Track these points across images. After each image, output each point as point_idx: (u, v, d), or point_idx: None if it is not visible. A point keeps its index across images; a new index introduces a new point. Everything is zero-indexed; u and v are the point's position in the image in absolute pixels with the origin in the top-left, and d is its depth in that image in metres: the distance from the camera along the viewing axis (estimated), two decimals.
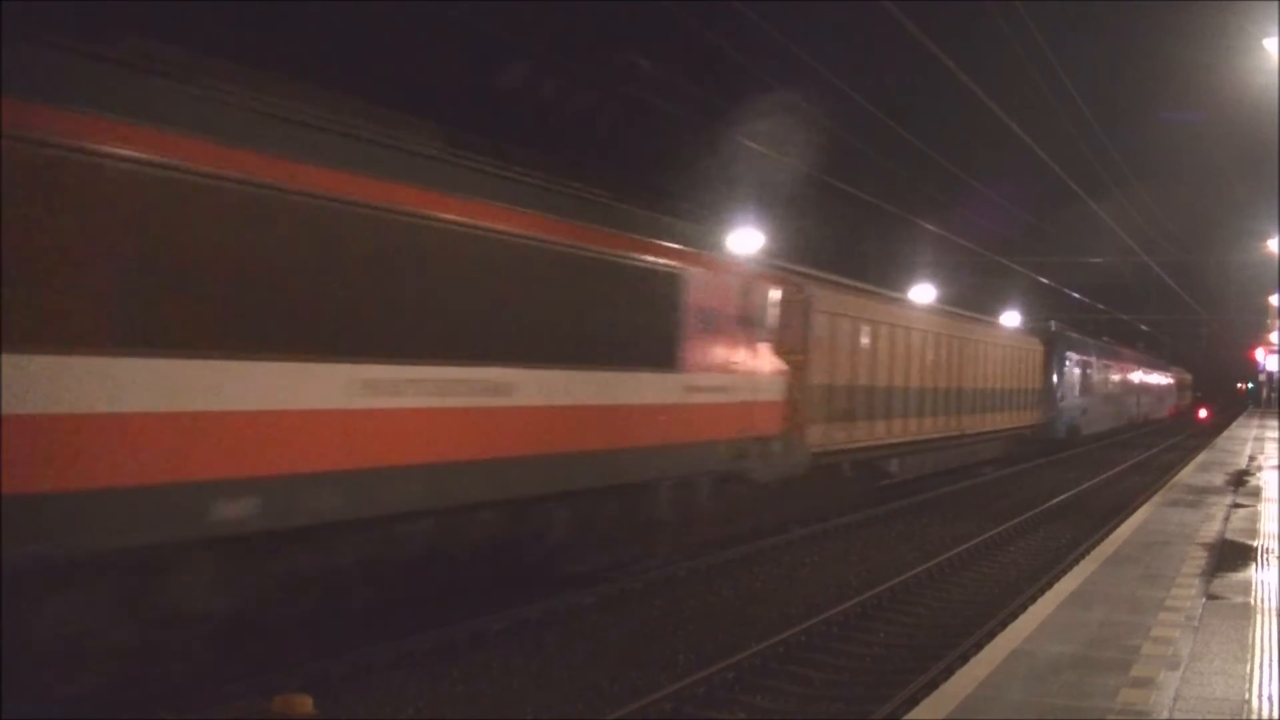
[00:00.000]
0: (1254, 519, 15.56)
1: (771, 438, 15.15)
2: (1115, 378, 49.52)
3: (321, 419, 8.31)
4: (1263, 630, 8.66)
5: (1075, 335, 41.96)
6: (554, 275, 10.77)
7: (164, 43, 7.66)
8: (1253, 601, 9.80)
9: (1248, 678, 7.31)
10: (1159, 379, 69.25)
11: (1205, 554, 12.36)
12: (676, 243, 13.05)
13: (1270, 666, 7.57)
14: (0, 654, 6.49)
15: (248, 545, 7.97)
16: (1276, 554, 12.33)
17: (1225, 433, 45.10)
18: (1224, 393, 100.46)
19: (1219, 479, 22.25)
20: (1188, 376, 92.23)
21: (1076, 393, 39.62)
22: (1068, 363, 38.30)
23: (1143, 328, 63.87)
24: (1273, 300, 45.45)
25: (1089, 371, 42.31)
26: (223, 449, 7.55)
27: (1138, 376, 58.00)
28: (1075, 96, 22.09)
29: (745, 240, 16.34)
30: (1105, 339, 50.04)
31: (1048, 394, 36.23)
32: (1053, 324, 39.75)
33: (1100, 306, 48.45)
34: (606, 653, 10.30)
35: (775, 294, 15.39)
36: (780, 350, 15.61)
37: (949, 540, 17.01)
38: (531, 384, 10.43)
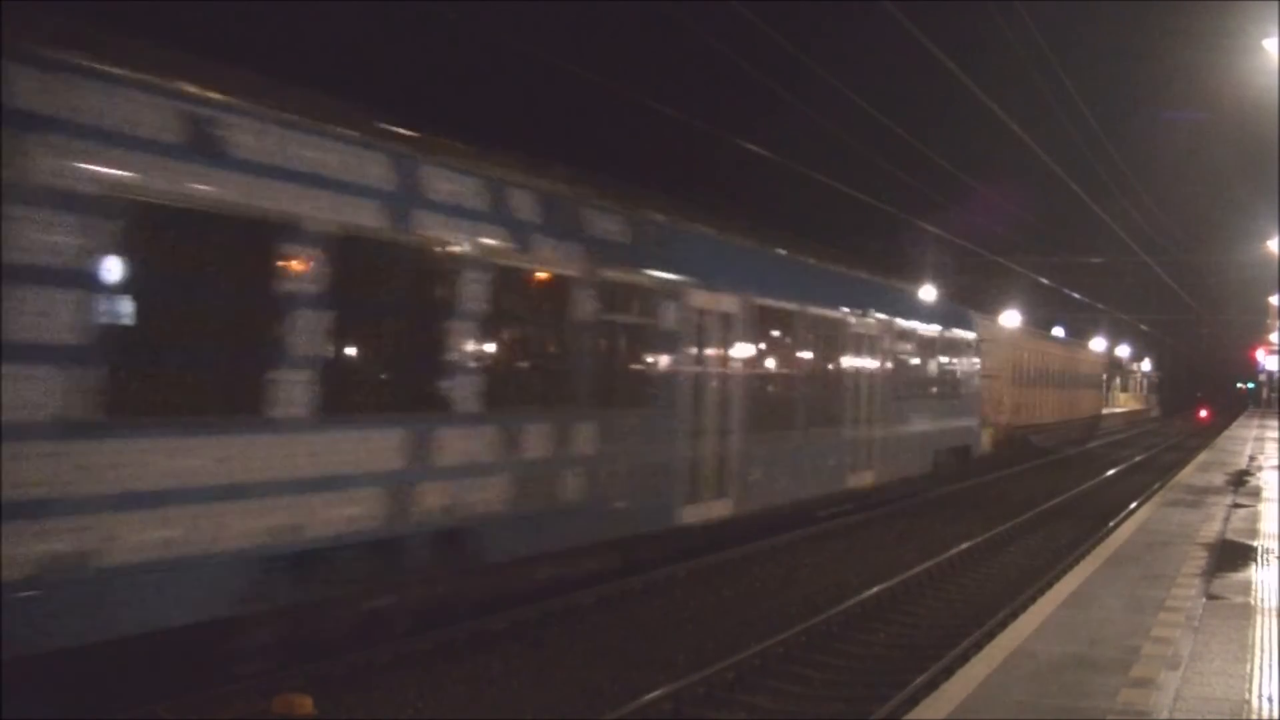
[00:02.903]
0: (1254, 519, 15.58)
1: None
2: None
3: None
4: (1263, 630, 8.66)
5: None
6: None
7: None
8: (1253, 601, 9.81)
9: (1248, 678, 7.31)
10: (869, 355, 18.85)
11: (1205, 554, 12.36)
12: None
13: (1270, 666, 7.58)
14: (0, 656, 6.49)
15: None
16: (1276, 554, 12.34)
17: (1225, 433, 45.13)
18: (1225, 392, 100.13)
19: (1219, 479, 22.26)
20: (1087, 356, 53.45)
21: None
22: None
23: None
24: (1273, 300, 45.53)
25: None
26: None
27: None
28: (1075, 96, 22.11)
29: None
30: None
31: None
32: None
33: (1100, 306, 48.54)
34: (606, 653, 10.29)
35: None
36: None
37: (949, 540, 17.00)
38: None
